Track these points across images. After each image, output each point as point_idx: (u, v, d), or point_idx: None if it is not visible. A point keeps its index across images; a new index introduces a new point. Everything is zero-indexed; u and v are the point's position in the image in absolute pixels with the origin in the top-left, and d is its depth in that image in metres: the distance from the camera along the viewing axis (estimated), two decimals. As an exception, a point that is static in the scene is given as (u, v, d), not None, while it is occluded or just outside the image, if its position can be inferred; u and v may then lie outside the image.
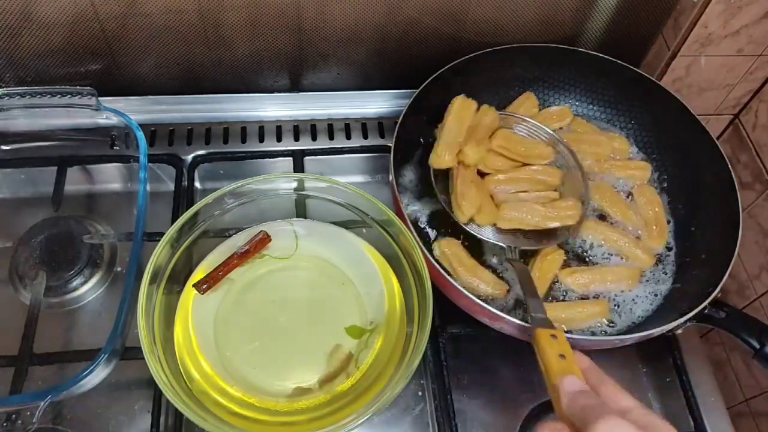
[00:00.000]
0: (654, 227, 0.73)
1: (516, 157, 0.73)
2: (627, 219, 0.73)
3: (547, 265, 0.69)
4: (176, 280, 0.63)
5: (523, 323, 0.58)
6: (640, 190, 0.75)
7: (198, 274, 0.65)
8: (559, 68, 0.81)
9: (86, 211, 0.75)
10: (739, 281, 0.84)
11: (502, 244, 0.68)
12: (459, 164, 0.71)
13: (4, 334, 0.64)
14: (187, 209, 0.63)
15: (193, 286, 0.63)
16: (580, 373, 0.48)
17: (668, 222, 0.74)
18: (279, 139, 0.81)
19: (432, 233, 0.72)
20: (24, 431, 0.55)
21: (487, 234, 0.68)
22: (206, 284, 0.63)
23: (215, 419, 0.55)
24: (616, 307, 0.68)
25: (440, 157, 0.70)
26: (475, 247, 0.70)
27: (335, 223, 0.69)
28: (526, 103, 0.80)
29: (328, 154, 0.80)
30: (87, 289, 0.69)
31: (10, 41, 0.73)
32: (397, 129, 0.69)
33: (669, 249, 0.73)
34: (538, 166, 0.73)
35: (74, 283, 0.68)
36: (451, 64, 0.74)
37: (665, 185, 0.77)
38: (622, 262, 0.71)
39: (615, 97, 0.81)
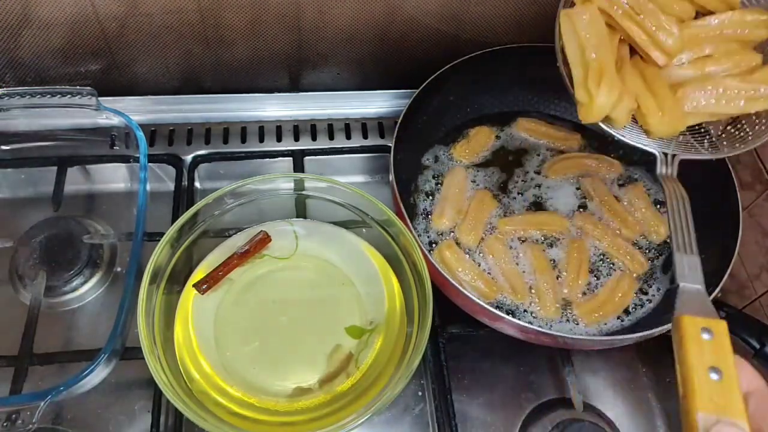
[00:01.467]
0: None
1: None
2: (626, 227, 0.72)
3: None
4: (176, 280, 0.63)
5: (521, 322, 0.58)
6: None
7: (198, 274, 0.65)
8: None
9: (86, 211, 0.75)
10: (739, 281, 0.84)
11: (657, 151, 0.45)
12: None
13: (4, 334, 0.64)
14: (187, 209, 0.63)
15: (193, 286, 0.63)
16: (743, 407, 0.30)
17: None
18: (279, 139, 0.81)
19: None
20: (24, 431, 0.55)
21: (632, 134, 0.43)
22: (206, 284, 0.63)
23: (215, 419, 0.55)
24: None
25: (596, 103, 0.43)
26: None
27: (335, 223, 0.69)
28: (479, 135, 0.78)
29: (328, 154, 0.80)
30: (87, 289, 0.69)
31: (10, 41, 0.73)
32: (397, 129, 0.69)
33: (669, 249, 0.73)
34: (730, 12, 0.46)
35: (74, 283, 0.68)
36: (451, 64, 0.74)
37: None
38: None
39: (615, 97, 0.80)
